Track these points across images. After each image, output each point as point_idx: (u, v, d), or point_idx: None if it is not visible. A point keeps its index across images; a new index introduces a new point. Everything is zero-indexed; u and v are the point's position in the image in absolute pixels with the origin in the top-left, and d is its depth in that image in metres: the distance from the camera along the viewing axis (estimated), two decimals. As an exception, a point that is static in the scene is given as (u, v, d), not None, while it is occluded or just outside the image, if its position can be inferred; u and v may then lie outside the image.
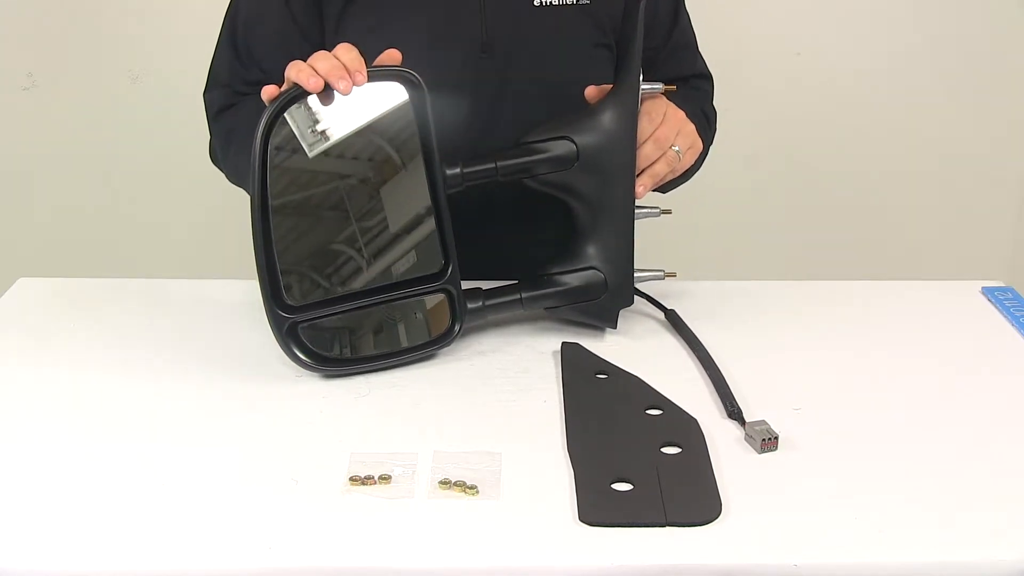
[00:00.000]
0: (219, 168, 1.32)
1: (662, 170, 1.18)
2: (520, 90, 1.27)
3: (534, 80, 1.28)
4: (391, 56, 1.08)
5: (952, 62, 2.31)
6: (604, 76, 1.31)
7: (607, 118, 1.15)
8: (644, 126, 1.16)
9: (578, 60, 1.29)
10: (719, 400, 1.07)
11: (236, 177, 1.28)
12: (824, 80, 2.31)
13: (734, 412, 1.04)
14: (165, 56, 2.19)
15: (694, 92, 1.39)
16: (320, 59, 1.05)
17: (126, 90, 2.24)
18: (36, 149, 2.28)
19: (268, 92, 1.06)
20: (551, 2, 1.26)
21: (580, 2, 1.27)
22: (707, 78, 1.44)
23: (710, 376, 1.11)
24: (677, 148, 1.18)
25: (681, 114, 1.20)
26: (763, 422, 1.00)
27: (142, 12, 2.20)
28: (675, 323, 1.22)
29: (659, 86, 1.19)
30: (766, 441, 0.98)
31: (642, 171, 1.17)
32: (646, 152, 1.16)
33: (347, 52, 1.06)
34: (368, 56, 1.08)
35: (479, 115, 1.25)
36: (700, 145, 1.22)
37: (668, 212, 1.22)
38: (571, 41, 1.28)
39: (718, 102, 1.44)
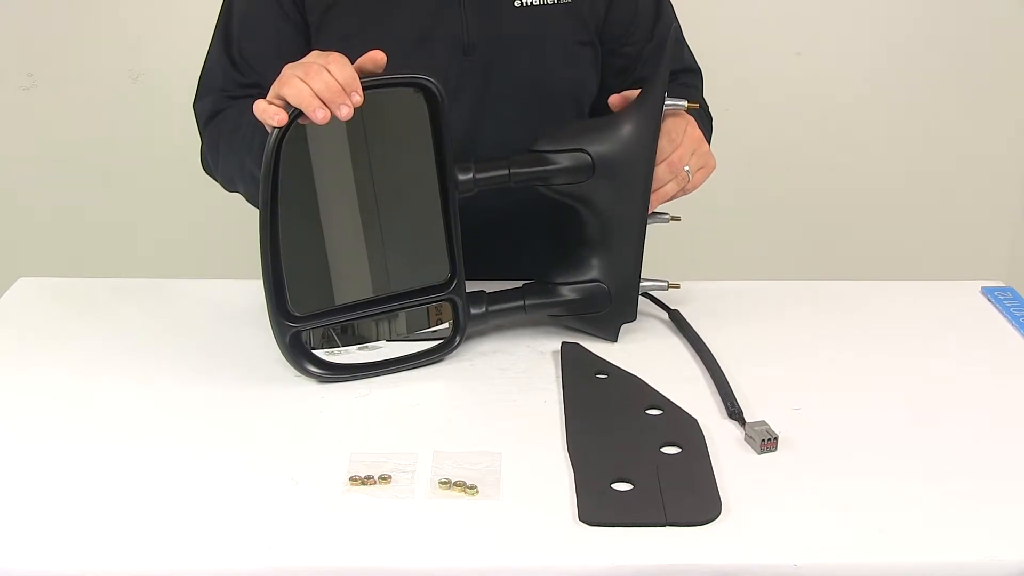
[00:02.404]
0: (212, 177, 1.31)
1: (671, 190, 1.17)
2: (503, 90, 1.27)
3: (517, 80, 1.27)
4: (374, 58, 1.04)
5: (952, 62, 2.31)
6: (588, 74, 1.31)
7: (627, 132, 1.13)
8: (663, 146, 1.16)
9: (561, 59, 1.29)
10: (719, 400, 1.07)
11: (228, 183, 1.27)
12: (824, 80, 2.31)
13: (734, 412, 1.04)
14: (165, 56, 2.18)
15: (694, 91, 1.39)
16: (315, 77, 1.00)
17: (126, 90, 2.24)
18: (36, 149, 2.28)
19: (259, 108, 1.03)
20: (532, 2, 1.25)
21: (561, 1, 1.26)
22: (695, 72, 1.42)
23: (712, 376, 1.11)
24: (688, 168, 1.17)
25: (698, 134, 1.19)
26: (763, 423, 1.00)
27: (142, 12, 2.20)
28: (679, 323, 1.22)
29: (683, 103, 1.17)
30: (766, 442, 0.98)
31: (653, 191, 1.16)
32: (659, 174, 1.16)
33: (342, 69, 1.01)
34: (353, 60, 1.05)
35: (463, 117, 1.24)
36: (712, 164, 1.20)
37: (677, 219, 1.22)
38: (553, 40, 1.28)
39: (718, 102, 1.44)
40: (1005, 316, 1.26)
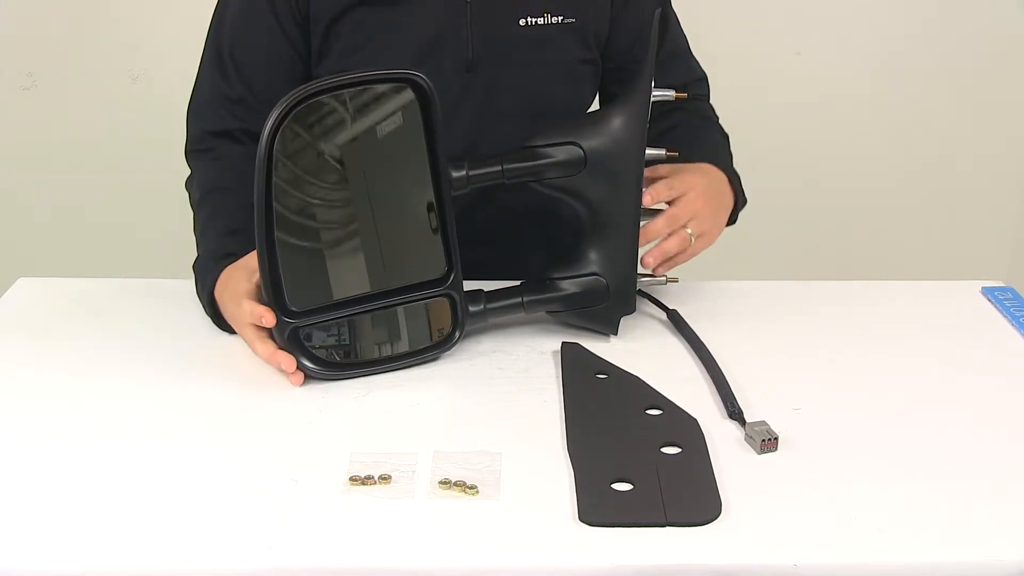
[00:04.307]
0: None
1: (673, 247, 1.19)
2: (505, 108, 1.27)
3: (518, 96, 1.28)
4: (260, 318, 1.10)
5: (952, 62, 2.31)
6: (589, 92, 1.33)
7: (616, 124, 1.14)
8: (661, 191, 1.18)
9: (563, 77, 1.30)
10: (719, 400, 1.07)
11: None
12: (824, 80, 2.31)
13: (735, 412, 1.04)
14: (165, 56, 2.18)
15: (720, 141, 1.38)
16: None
17: (126, 90, 2.24)
18: (36, 149, 2.28)
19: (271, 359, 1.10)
20: (536, 21, 1.26)
21: (565, 20, 1.26)
22: (703, 80, 1.43)
23: (711, 376, 1.11)
24: (691, 232, 1.19)
25: (699, 202, 1.19)
26: (763, 423, 1.00)
27: (142, 13, 2.20)
28: (677, 323, 1.22)
29: (670, 93, 1.18)
30: (766, 442, 0.98)
31: (654, 245, 1.18)
32: (657, 227, 1.17)
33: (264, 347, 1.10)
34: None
35: (465, 133, 1.25)
36: (715, 235, 1.22)
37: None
38: (556, 59, 1.28)
39: (718, 102, 1.44)
40: (1005, 316, 1.26)
